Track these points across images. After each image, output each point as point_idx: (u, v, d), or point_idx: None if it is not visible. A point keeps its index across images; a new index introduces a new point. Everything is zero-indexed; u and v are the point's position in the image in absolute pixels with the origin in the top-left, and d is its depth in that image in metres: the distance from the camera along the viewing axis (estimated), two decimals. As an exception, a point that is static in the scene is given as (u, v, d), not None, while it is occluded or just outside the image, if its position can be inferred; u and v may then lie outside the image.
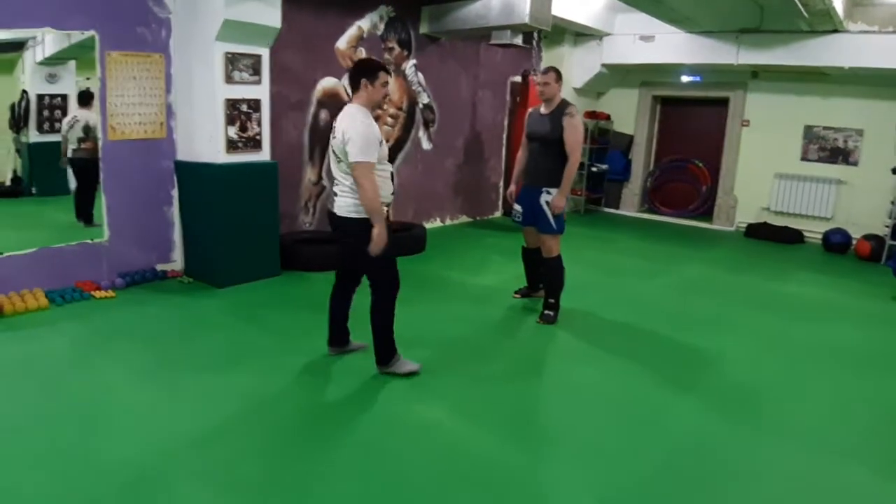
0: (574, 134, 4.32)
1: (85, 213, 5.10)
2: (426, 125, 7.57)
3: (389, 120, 7.05)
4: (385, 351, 3.47)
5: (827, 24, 6.83)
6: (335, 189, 3.33)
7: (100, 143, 4.70)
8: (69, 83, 5.02)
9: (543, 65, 8.48)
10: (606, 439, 2.99)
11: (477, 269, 5.97)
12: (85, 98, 4.85)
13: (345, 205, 3.26)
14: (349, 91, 3.42)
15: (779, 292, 5.78)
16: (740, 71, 8.33)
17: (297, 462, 2.67)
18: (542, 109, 4.48)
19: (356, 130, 3.11)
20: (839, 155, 8.10)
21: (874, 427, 3.27)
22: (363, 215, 3.21)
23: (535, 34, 7.21)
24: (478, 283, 5.51)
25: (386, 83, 3.29)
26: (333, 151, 3.25)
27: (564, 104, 4.40)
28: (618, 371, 3.80)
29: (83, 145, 4.86)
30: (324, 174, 6.45)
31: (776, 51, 7.46)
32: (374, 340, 3.47)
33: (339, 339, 3.75)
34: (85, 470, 2.53)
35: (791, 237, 8.19)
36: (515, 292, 5.13)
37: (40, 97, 4.93)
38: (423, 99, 7.45)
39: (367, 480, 2.56)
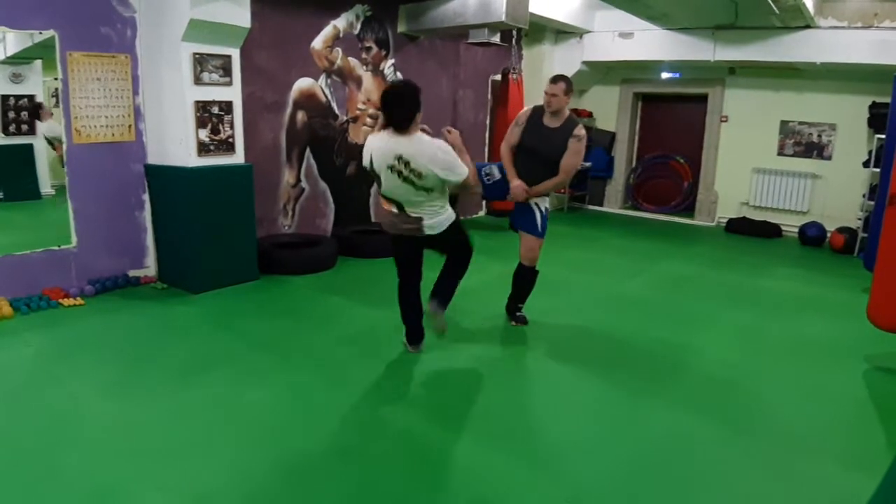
0: (573, 158, 3.99)
1: None
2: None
3: (368, 121, 6.98)
4: (450, 297, 3.71)
5: (798, 20, 6.88)
6: (418, 214, 3.34)
7: (64, 147, 4.60)
8: (36, 83, 4.91)
9: (524, 63, 8.47)
10: (580, 439, 2.97)
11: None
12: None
13: (439, 222, 3.37)
14: (389, 121, 3.27)
15: (755, 287, 5.80)
16: (718, 67, 8.37)
17: (270, 473, 2.61)
18: (547, 121, 4.05)
19: (448, 156, 3.18)
20: (814, 149, 8.17)
21: (841, 419, 3.30)
22: (451, 219, 3.44)
23: (515, 32, 7.18)
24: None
25: None
26: (423, 187, 3.22)
27: (572, 122, 4.02)
28: (593, 370, 3.78)
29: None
30: (302, 176, 6.37)
31: (751, 47, 7.51)
32: (447, 289, 3.68)
33: (419, 335, 3.84)
34: (48, 483, 2.46)
35: (770, 231, 8.26)
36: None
37: (4, 98, 4.81)
38: (402, 99, 7.38)
39: (342, 486, 2.52)
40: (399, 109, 3.11)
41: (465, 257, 3.69)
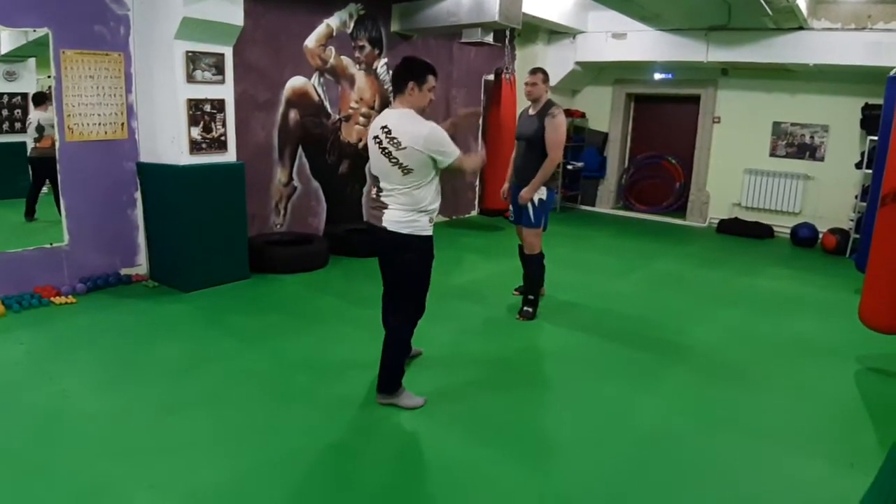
0: (554, 133, 4.33)
1: (29, 208, 5.07)
2: (398, 124, 7.50)
3: (361, 119, 6.98)
4: (393, 378, 3.17)
5: (792, 22, 6.92)
6: (386, 200, 2.99)
7: (57, 145, 4.57)
8: (29, 81, 4.88)
9: (517, 63, 8.47)
10: (570, 436, 2.98)
11: (451, 269, 5.92)
12: (38, 98, 4.76)
13: (398, 219, 2.96)
14: (392, 94, 3.06)
15: (747, 287, 5.84)
16: (710, 68, 8.41)
17: (262, 470, 2.60)
18: (530, 110, 4.51)
19: (437, 133, 2.88)
20: (806, 150, 8.21)
21: (832, 418, 3.32)
22: (416, 232, 2.98)
23: (508, 32, 7.19)
24: (451, 283, 5.45)
25: (433, 88, 3.01)
26: (398, 163, 2.88)
27: (549, 105, 4.41)
28: (584, 367, 3.81)
29: (36, 144, 4.78)
30: (294, 175, 6.36)
31: (744, 48, 7.54)
32: (383, 366, 3.16)
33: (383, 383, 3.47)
34: (39, 480, 2.46)
35: (761, 232, 8.29)
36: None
37: (-1, 95, 4.79)
38: (395, 98, 7.37)
39: (332, 483, 2.52)
40: (396, 73, 3.02)
41: (401, 323, 3.20)
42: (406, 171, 2.90)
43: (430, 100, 3.03)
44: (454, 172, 3.07)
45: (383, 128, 2.94)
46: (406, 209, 2.96)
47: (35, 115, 4.82)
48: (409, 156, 2.87)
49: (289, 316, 4.52)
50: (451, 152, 2.93)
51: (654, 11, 7.07)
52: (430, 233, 3.06)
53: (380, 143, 2.93)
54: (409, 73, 2.97)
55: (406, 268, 3.08)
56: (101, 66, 4.67)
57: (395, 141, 2.87)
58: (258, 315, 4.51)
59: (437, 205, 3.07)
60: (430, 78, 2.99)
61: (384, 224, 2.99)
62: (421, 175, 2.92)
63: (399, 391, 3.19)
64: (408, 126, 2.89)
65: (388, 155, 2.91)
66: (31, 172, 5.04)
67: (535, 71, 4.48)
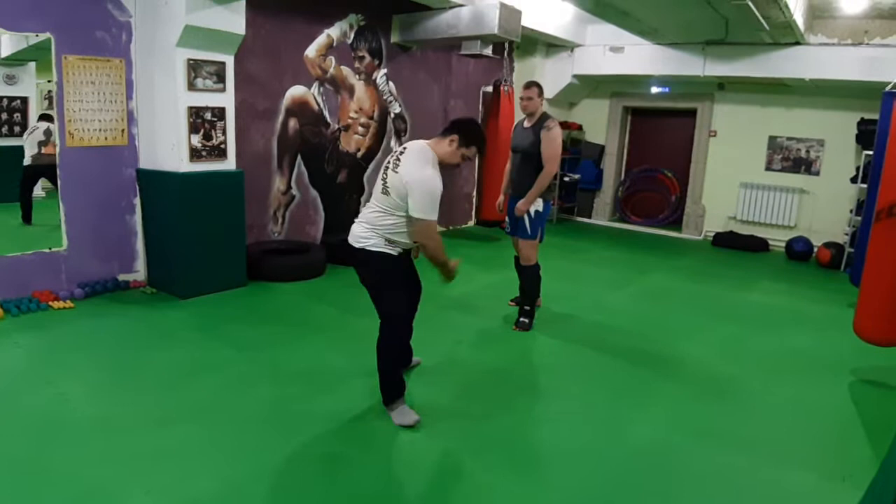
0: (550, 146, 4.36)
1: (25, 213, 5.09)
2: (398, 135, 7.56)
3: (360, 129, 7.02)
4: (387, 389, 3.17)
5: (789, 37, 6.98)
6: (363, 218, 3.10)
7: (57, 150, 4.59)
8: (29, 85, 4.90)
9: (515, 75, 8.54)
10: (564, 448, 2.99)
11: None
12: (43, 116, 4.85)
13: (357, 233, 3.05)
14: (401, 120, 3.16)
15: (742, 301, 5.86)
16: (707, 82, 8.48)
17: (257, 479, 2.60)
18: (525, 123, 4.55)
19: (422, 183, 2.90)
20: (802, 165, 8.28)
21: (827, 431, 3.34)
22: (377, 248, 3.02)
23: (506, 45, 7.25)
24: (447, 294, 5.45)
25: (468, 157, 3.16)
26: (385, 180, 3.00)
27: (545, 118, 4.44)
28: (578, 379, 3.82)
29: (43, 150, 4.84)
30: (293, 183, 6.38)
31: (741, 63, 7.62)
32: (380, 379, 3.19)
33: (405, 359, 3.64)
34: (36, 484, 2.46)
35: (757, 245, 8.35)
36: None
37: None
38: (395, 108, 7.43)
39: (328, 494, 2.52)
40: (454, 122, 3.19)
41: (381, 332, 3.15)
42: (385, 191, 3.00)
43: (458, 163, 3.17)
44: (418, 239, 3.02)
45: (403, 149, 3.08)
46: (366, 226, 3.05)
47: (35, 124, 4.86)
48: (396, 181, 2.96)
49: (285, 324, 4.53)
50: (422, 209, 2.89)
51: (652, 26, 7.15)
52: (391, 252, 3.05)
53: (387, 167, 3.06)
54: (460, 131, 3.10)
55: (369, 282, 3.14)
56: (103, 72, 4.70)
57: (398, 163, 3.00)
58: (255, 323, 4.51)
59: (401, 240, 3.04)
60: (473, 148, 3.14)
61: (350, 239, 3.10)
62: (394, 204, 2.97)
63: (394, 404, 3.18)
64: (414, 161, 2.99)
65: (385, 170, 3.04)
66: (22, 177, 5.05)
67: (529, 85, 4.50)
